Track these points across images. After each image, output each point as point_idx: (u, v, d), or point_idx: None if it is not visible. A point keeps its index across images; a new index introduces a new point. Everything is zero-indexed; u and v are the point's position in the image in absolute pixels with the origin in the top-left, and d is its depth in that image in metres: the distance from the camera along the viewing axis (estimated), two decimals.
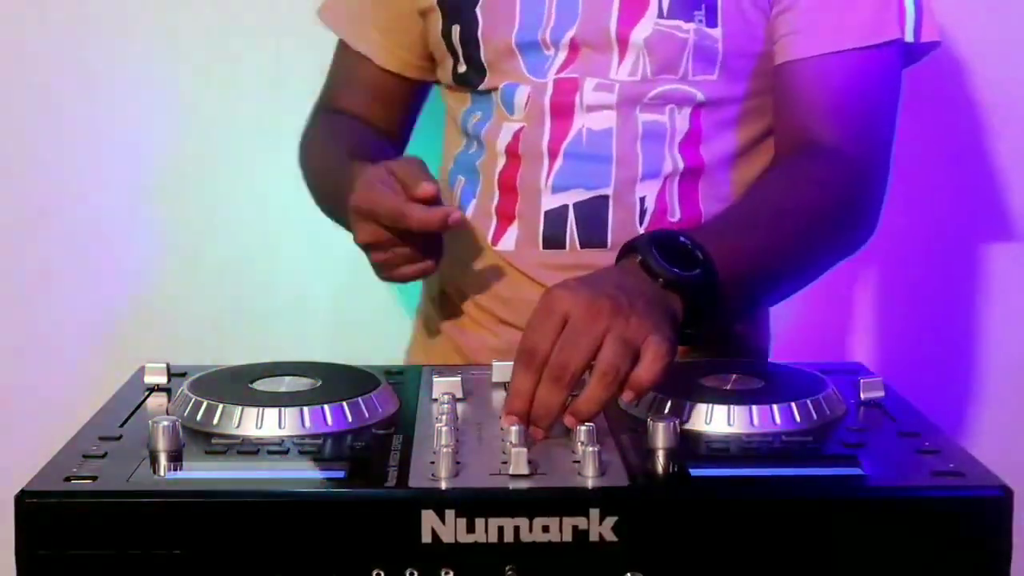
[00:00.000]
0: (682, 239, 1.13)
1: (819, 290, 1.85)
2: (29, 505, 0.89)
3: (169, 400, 1.12)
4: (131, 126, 1.78)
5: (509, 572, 0.89)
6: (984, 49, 1.72)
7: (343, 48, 1.50)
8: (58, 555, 0.89)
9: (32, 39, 1.78)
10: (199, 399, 1.05)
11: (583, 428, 0.97)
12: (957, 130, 1.79)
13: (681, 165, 1.32)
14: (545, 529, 0.89)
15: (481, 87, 1.38)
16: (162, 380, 1.16)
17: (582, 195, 1.33)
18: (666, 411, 1.04)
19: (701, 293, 1.11)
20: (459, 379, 1.13)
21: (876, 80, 1.30)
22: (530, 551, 0.89)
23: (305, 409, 1.03)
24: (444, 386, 1.11)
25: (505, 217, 1.37)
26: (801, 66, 1.29)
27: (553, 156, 1.33)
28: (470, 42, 1.36)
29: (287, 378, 1.12)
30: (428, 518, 0.89)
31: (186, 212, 1.82)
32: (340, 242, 1.50)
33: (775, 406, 1.04)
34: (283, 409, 1.03)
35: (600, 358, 1.00)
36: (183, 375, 1.15)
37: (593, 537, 0.89)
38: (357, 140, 1.42)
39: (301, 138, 1.49)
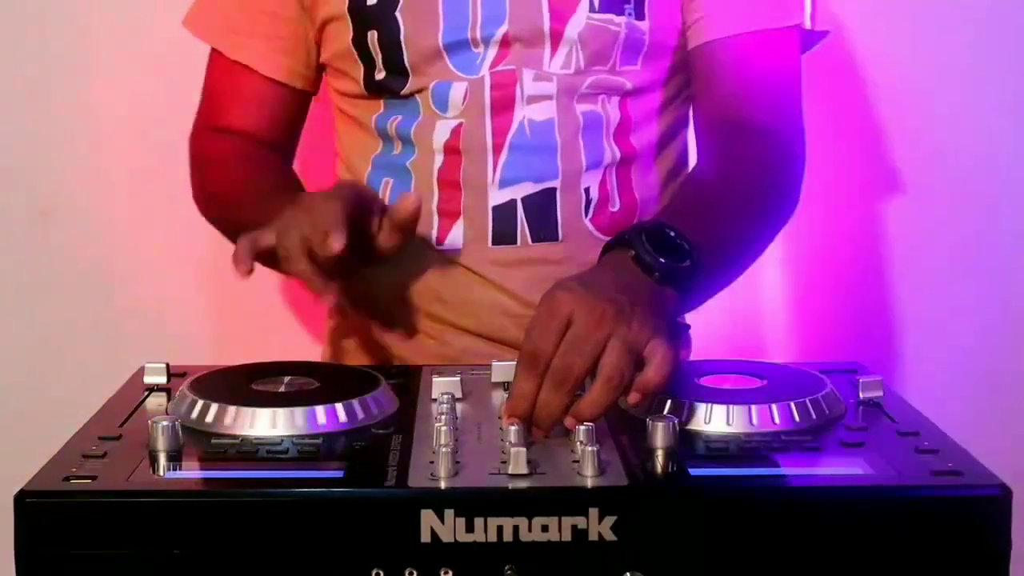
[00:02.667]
0: (668, 230, 1.13)
1: (818, 290, 1.86)
2: (29, 505, 0.89)
3: (169, 400, 1.12)
4: (131, 126, 1.78)
5: (508, 572, 0.89)
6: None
7: (219, 60, 1.43)
8: (58, 555, 0.89)
9: (32, 39, 1.78)
10: (199, 399, 1.05)
11: (582, 428, 0.97)
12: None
13: (618, 154, 1.34)
14: (544, 529, 0.89)
15: (404, 91, 1.34)
16: (162, 380, 1.16)
17: (530, 188, 1.32)
18: (665, 411, 1.04)
19: (692, 283, 1.12)
20: (458, 379, 1.13)
21: (787, 59, 1.36)
22: (529, 551, 0.89)
23: (305, 409, 1.03)
24: (443, 386, 1.12)
25: (448, 215, 1.34)
26: (719, 46, 1.34)
27: (498, 150, 1.32)
28: (391, 46, 1.33)
29: (287, 378, 1.12)
30: (427, 518, 0.89)
31: (186, 211, 1.82)
32: None
33: (774, 406, 1.04)
34: (282, 409, 1.03)
35: (604, 363, 1.01)
36: (183, 375, 1.15)
37: (592, 536, 0.89)
38: (268, 172, 1.40)
39: (192, 158, 1.46)
